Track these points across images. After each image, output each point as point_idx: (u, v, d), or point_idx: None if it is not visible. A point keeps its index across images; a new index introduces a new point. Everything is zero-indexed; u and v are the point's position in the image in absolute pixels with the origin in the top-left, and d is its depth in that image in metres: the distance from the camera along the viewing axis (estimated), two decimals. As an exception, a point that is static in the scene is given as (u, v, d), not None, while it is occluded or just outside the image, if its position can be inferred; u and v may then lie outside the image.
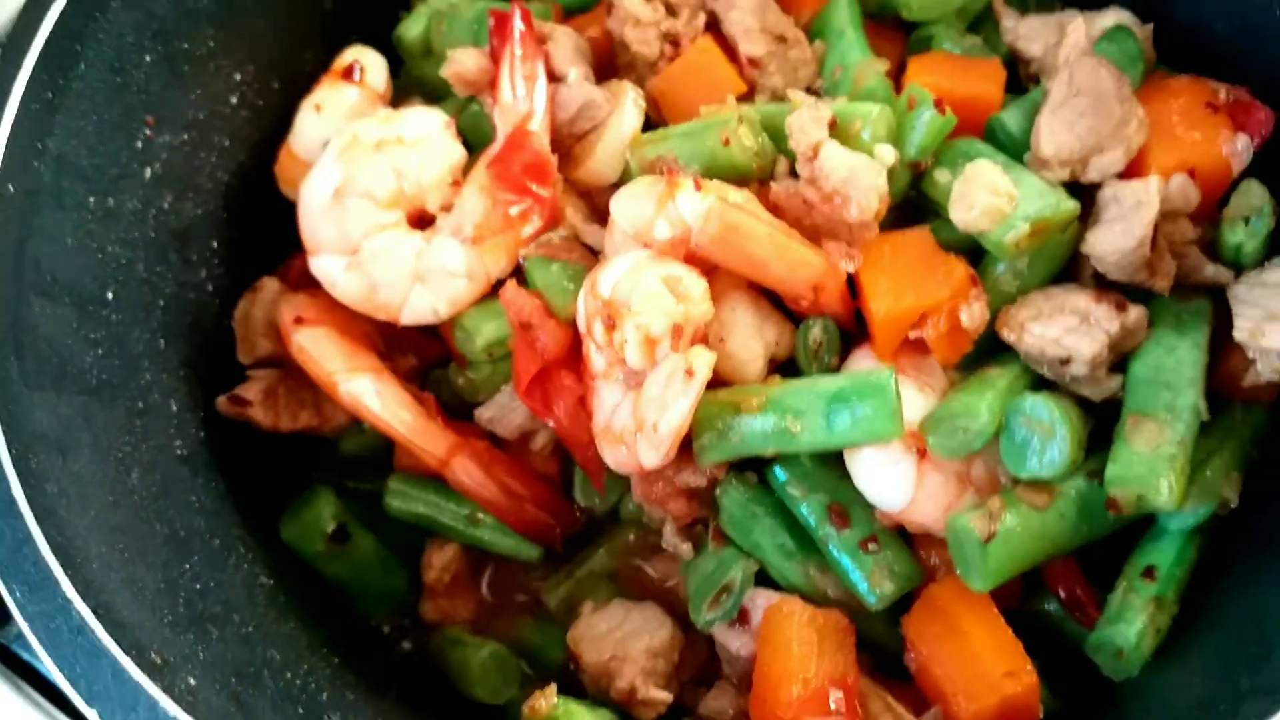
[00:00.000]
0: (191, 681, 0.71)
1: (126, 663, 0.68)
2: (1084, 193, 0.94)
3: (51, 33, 0.93)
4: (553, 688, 0.89)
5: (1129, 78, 0.98)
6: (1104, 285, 0.94)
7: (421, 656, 1.05)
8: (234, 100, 1.12)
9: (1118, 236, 0.88)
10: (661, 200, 0.90)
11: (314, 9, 1.18)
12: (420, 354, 1.08)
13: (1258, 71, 0.99)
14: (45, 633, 0.69)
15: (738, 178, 0.96)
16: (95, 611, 0.70)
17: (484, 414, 1.03)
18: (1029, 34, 1.09)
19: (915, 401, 0.90)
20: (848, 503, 0.92)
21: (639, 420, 0.88)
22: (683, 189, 0.89)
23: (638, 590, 1.03)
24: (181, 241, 1.06)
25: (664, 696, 0.93)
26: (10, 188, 0.87)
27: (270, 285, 1.10)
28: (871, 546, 0.91)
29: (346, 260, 1.00)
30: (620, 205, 0.94)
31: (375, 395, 0.99)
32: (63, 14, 0.93)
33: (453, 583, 1.06)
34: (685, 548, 0.97)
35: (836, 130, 0.93)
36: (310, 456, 1.10)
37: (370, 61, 1.13)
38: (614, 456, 0.92)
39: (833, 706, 0.84)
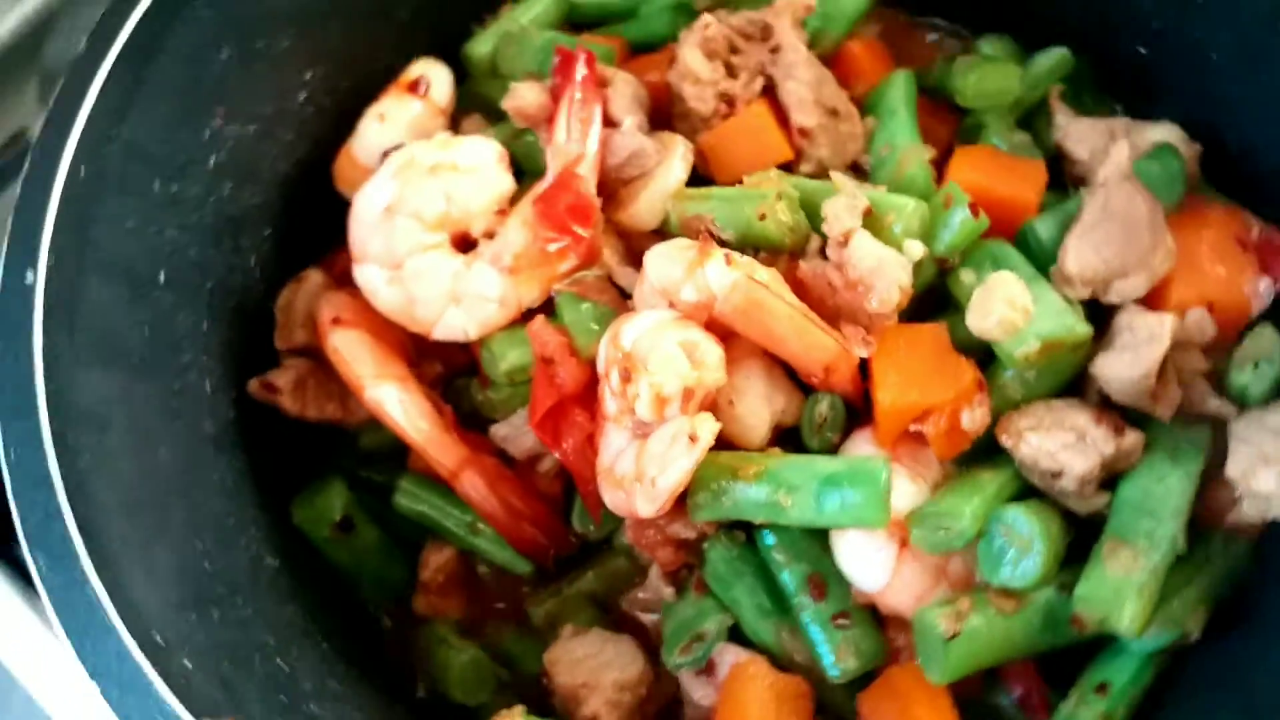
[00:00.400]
0: (187, 664, 0.77)
1: (130, 643, 0.73)
2: (1103, 312, 0.97)
3: (137, 26, 0.97)
4: (520, 708, 0.94)
5: (1167, 199, 1.01)
6: (1108, 404, 0.96)
7: (406, 646, 1.10)
8: (302, 97, 1.16)
9: (1126, 365, 0.91)
10: (691, 266, 0.94)
11: (389, 17, 1.22)
12: (447, 362, 1.13)
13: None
14: (62, 605, 0.75)
15: (771, 249, 1.00)
16: (109, 589, 0.76)
17: (499, 431, 1.08)
18: (1078, 136, 1.11)
19: (906, 491, 0.94)
20: (827, 576, 0.96)
21: (640, 471, 0.93)
22: (713, 259, 0.93)
23: (618, 620, 1.08)
24: (236, 228, 1.11)
25: (628, 731, 0.98)
26: (81, 171, 0.92)
27: (314, 277, 1.14)
28: (843, 621, 0.95)
29: (389, 274, 1.04)
30: (653, 262, 0.97)
31: (398, 403, 1.04)
32: (149, 9, 0.97)
33: (446, 582, 1.11)
34: (668, 591, 1.02)
35: (870, 219, 0.97)
36: (330, 444, 1.15)
37: (437, 76, 1.17)
38: (612, 498, 0.96)
39: (782, 770, 0.89)
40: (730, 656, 0.96)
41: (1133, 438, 0.93)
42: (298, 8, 1.12)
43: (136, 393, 0.94)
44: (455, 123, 1.21)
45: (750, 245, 1.00)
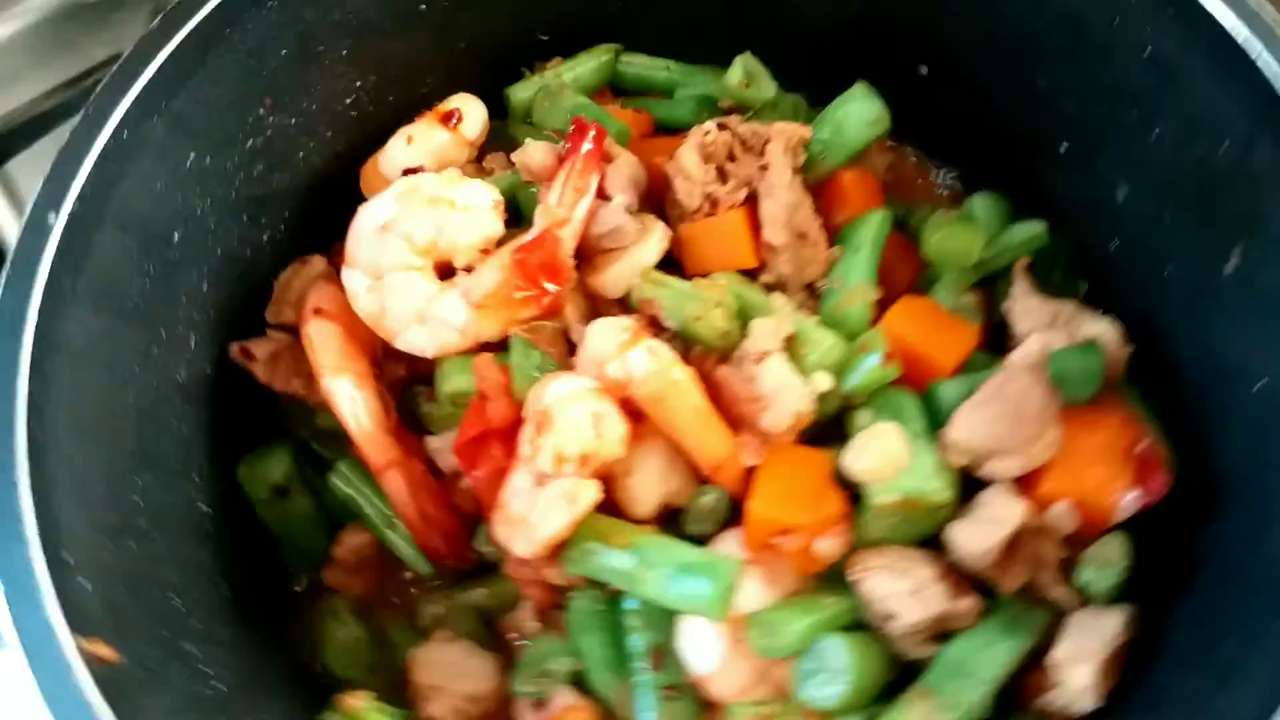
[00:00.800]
0: (85, 584, 0.88)
1: (37, 555, 0.85)
2: (979, 483, 1.05)
3: (210, 13, 1.10)
4: (368, 694, 1.06)
5: (1075, 392, 1.08)
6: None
7: (307, 613, 1.22)
8: (348, 101, 1.29)
9: (973, 537, 0.99)
10: (623, 346, 1.04)
11: (446, 45, 1.33)
12: (411, 368, 1.25)
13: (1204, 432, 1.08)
14: (-11, 509, 0.87)
15: (702, 347, 1.09)
16: (36, 502, 0.87)
17: (432, 443, 1.19)
18: (1024, 311, 1.18)
19: (756, 593, 1.03)
20: (668, 650, 1.05)
21: (525, 515, 1.03)
22: (639, 346, 1.03)
23: (496, 637, 1.19)
24: (257, 206, 1.23)
25: (457, 738, 1.08)
26: (125, 134, 1.05)
27: (318, 264, 1.27)
28: (671, 694, 1.04)
29: (371, 282, 1.16)
30: (594, 332, 1.08)
31: (347, 396, 1.16)
32: (223, 2, 1.11)
33: (357, 563, 1.22)
34: (533, 626, 1.13)
35: (791, 344, 1.06)
36: (289, 416, 1.27)
37: (470, 112, 1.29)
38: (501, 531, 1.07)
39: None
40: (565, 699, 1.06)
41: (969, 603, 1.01)
42: (363, 22, 1.24)
43: (122, 335, 1.06)
44: (482, 154, 1.33)
45: (688, 338, 1.10)
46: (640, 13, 1.39)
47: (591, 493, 1.00)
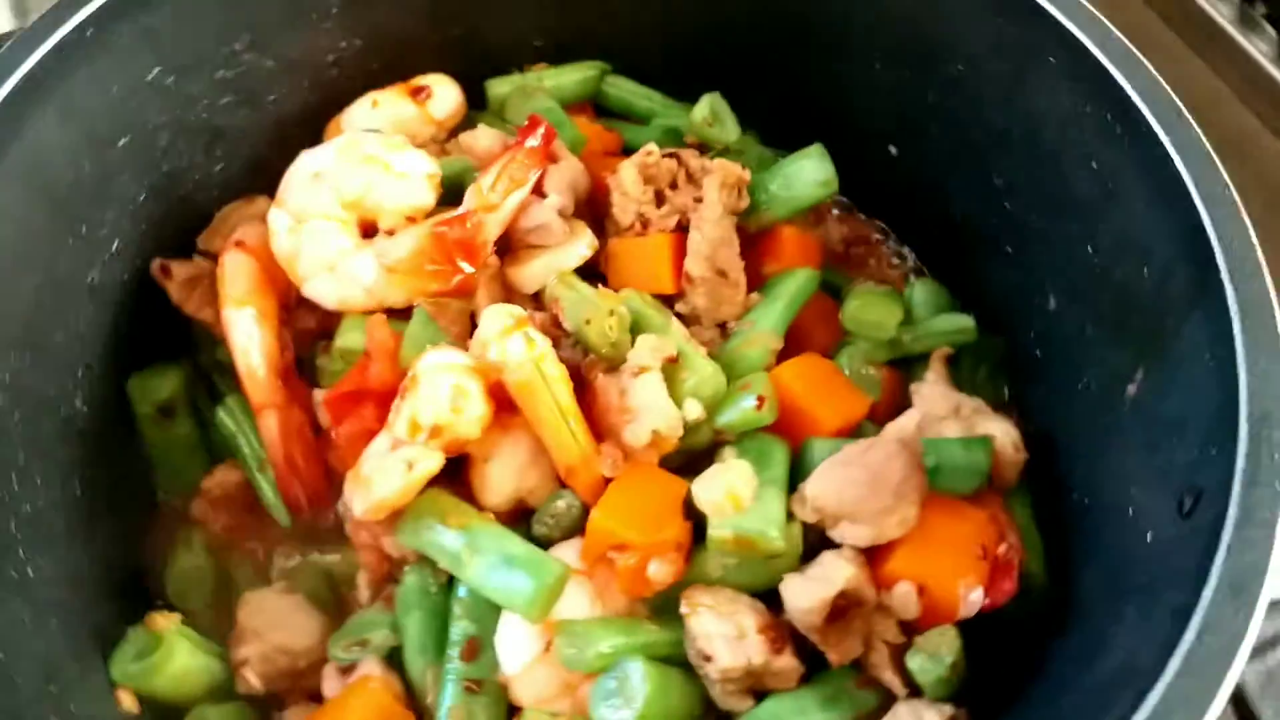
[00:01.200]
0: None
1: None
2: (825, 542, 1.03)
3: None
4: (177, 617, 1.05)
5: (954, 484, 1.07)
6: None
7: (160, 534, 1.22)
8: (329, 59, 1.32)
9: (801, 593, 0.96)
10: (505, 331, 1.04)
11: (441, 30, 1.37)
12: (322, 322, 1.25)
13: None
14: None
15: (593, 356, 1.09)
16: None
17: (318, 396, 1.19)
18: (925, 396, 1.17)
19: (579, 604, 1.01)
20: (484, 645, 1.03)
21: (369, 475, 1.03)
22: (519, 333, 1.03)
23: (335, 606, 1.17)
24: (214, 136, 1.26)
25: (255, 683, 1.07)
26: (88, 32, 1.09)
27: (261, 204, 1.29)
28: (474, 688, 1.02)
29: (292, 224, 1.18)
30: (487, 315, 1.07)
31: (244, 330, 1.17)
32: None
33: (224, 500, 1.22)
34: (365, 594, 1.11)
35: (671, 366, 1.05)
36: (198, 341, 1.28)
37: (442, 92, 1.31)
38: (349, 490, 1.06)
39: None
40: (369, 668, 1.04)
41: (787, 662, 0.98)
42: (358, -10, 1.28)
43: (44, 222, 1.08)
44: (451, 138, 1.35)
45: (580, 343, 1.10)
46: (636, 42, 1.42)
47: (430, 463, 1.00)
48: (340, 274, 1.16)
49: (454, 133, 1.35)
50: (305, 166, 1.19)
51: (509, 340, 1.03)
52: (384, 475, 1.01)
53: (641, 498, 1.02)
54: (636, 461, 1.04)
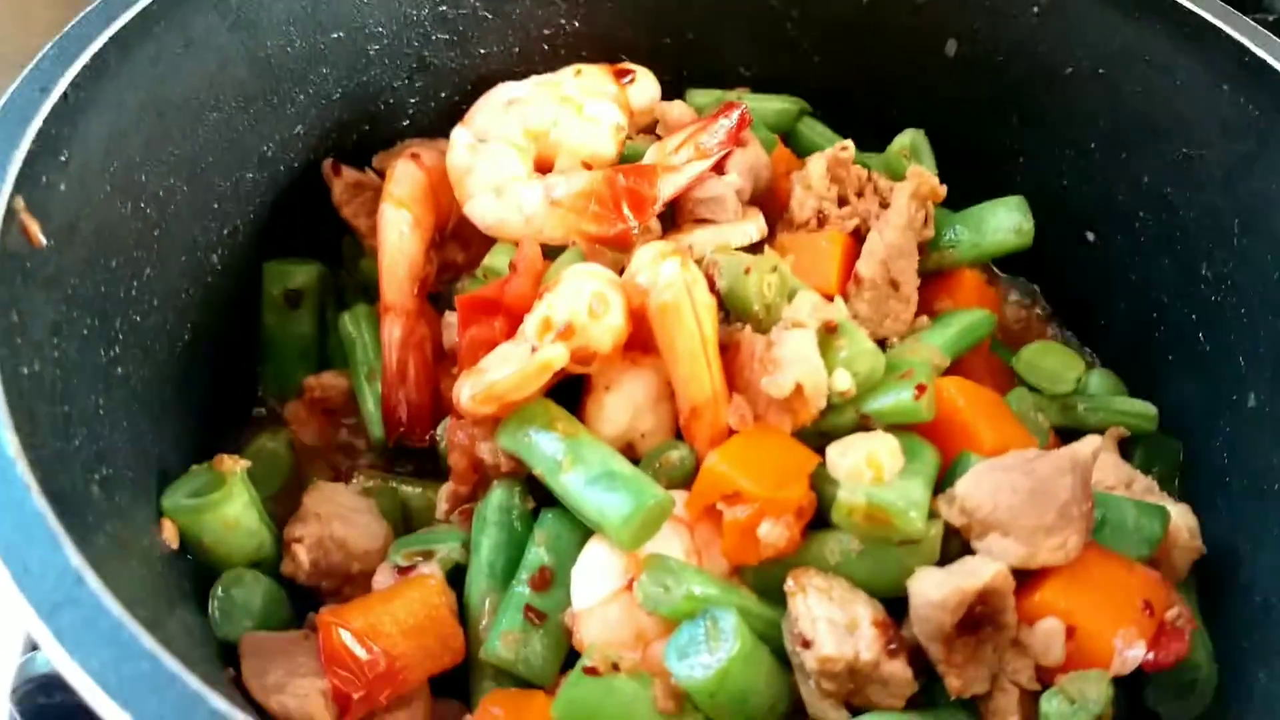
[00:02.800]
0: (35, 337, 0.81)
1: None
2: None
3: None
4: (245, 462, 0.97)
5: (1125, 546, 0.93)
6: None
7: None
8: (546, 32, 1.33)
9: (935, 584, 0.83)
10: (659, 257, 0.98)
11: (658, 37, 1.38)
12: (471, 259, 1.22)
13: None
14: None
15: (742, 314, 1.01)
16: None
17: (448, 317, 1.14)
18: (1097, 465, 1.04)
19: (673, 548, 0.89)
20: (557, 577, 0.92)
21: (486, 364, 0.96)
22: (674, 257, 0.96)
23: (405, 528, 1.07)
24: (420, 66, 1.28)
25: (303, 560, 0.96)
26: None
27: (443, 145, 1.26)
28: (534, 619, 0.90)
29: (473, 143, 1.16)
30: (641, 249, 1.02)
31: (396, 227, 1.14)
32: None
33: (322, 404, 1.16)
34: (442, 508, 1.02)
35: (828, 334, 0.96)
36: (345, 251, 1.26)
37: (644, 82, 1.29)
38: (461, 382, 0.98)
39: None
40: (426, 570, 0.94)
41: (899, 668, 0.83)
42: None
43: (241, 70, 1.09)
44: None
45: (733, 305, 1.02)
46: (837, 87, 1.40)
47: (554, 352, 0.92)
48: (506, 197, 1.13)
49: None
50: (501, 93, 1.19)
51: (663, 263, 0.97)
52: (500, 361, 0.94)
53: (766, 452, 0.92)
54: (767, 425, 0.94)
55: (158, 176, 1.02)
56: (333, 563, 0.99)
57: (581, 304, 0.94)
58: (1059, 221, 1.27)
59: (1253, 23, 1.11)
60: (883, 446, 0.88)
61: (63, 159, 0.89)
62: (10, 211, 0.82)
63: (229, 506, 0.94)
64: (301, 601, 1.00)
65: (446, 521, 1.01)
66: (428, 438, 1.11)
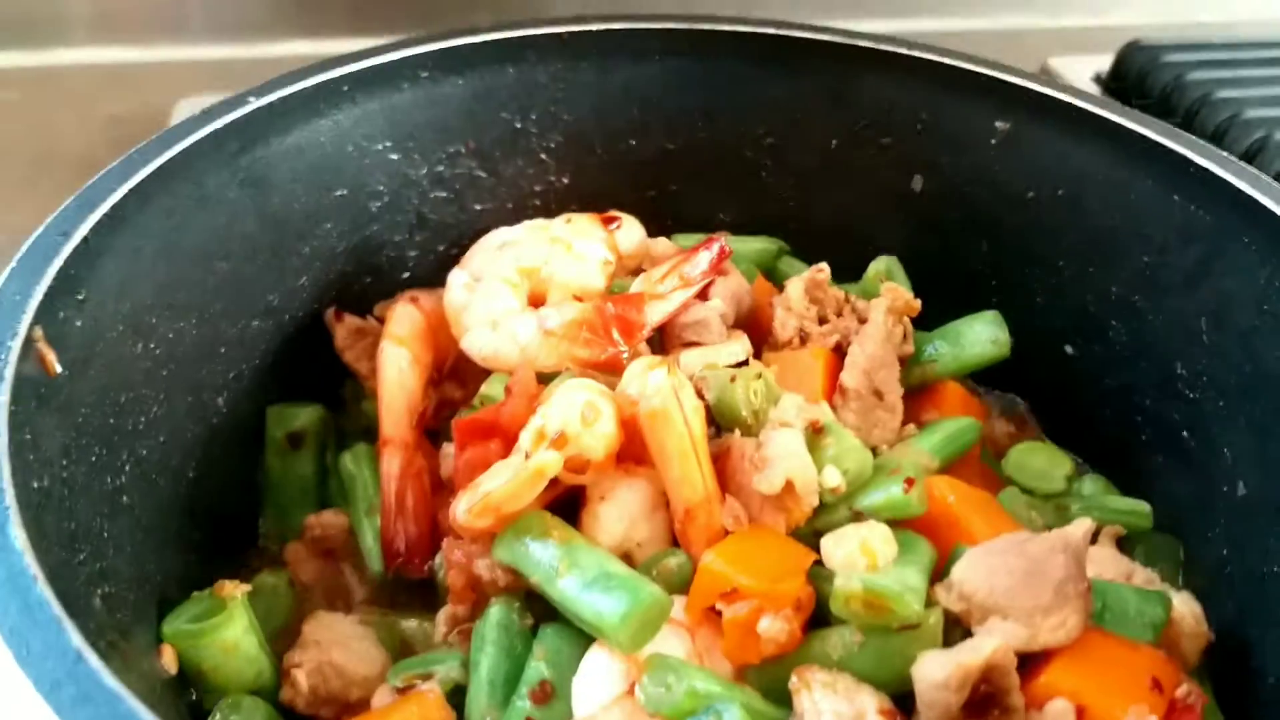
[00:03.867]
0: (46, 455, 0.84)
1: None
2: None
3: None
4: (246, 587, 0.97)
5: (1125, 629, 0.93)
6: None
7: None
8: (537, 188, 1.42)
9: (935, 667, 0.82)
10: (650, 366, 1.01)
11: (642, 190, 1.45)
12: (469, 396, 1.25)
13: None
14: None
15: (731, 423, 1.04)
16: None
17: (446, 449, 1.17)
18: (1095, 559, 1.05)
19: (674, 652, 0.89)
20: (558, 690, 0.91)
21: (481, 481, 0.98)
22: (662, 368, 1.00)
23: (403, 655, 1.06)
24: (419, 222, 1.35)
25: (302, 685, 0.96)
26: (345, 88, 1.23)
27: (443, 294, 1.34)
28: (536, 731, 0.88)
29: (470, 282, 1.23)
30: (632, 365, 1.06)
31: (395, 364, 1.19)
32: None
33: (322, 540, 1.17)
34: (441, 630, 1.01)
35: (816, 433, 0.99)
36: (345, 397, 1.30)
37: (630, 227, 1.38)
38: (457, 499, 1.00)
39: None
40: (425, 688, 0.92)
41: (906, 758, 0.81)
42: (578, 128, 1.41)
43: (249, 224, 1.17)
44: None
45: (722, 415, 1.05)
46: (812, 228, 1.48)
47: (548, 458, 0.94)
48: (501, 330, 1.18)
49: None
50: (495, 237, 1.26)
51: (651, 373, 1.00)
52: (495, 472, 0.96)
53: (762, 549, 0.92)
54: (761, 525, 0.95)
55: (168, 319, 1.07)
56: (331, 690, 0.98)
57: (574, 413, 0.97)
58: (1037, 337, 1.32)
59: (1193, 137, 1.19)
60: (876, 534, 0.90)
61: (80, 297, 0.95)
62: (29, 341, 0.87)
63: (229, 630, 0.94)
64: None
65: (445, 644, 1.01)
66: (426, 568, 1.11)
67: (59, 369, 0.89)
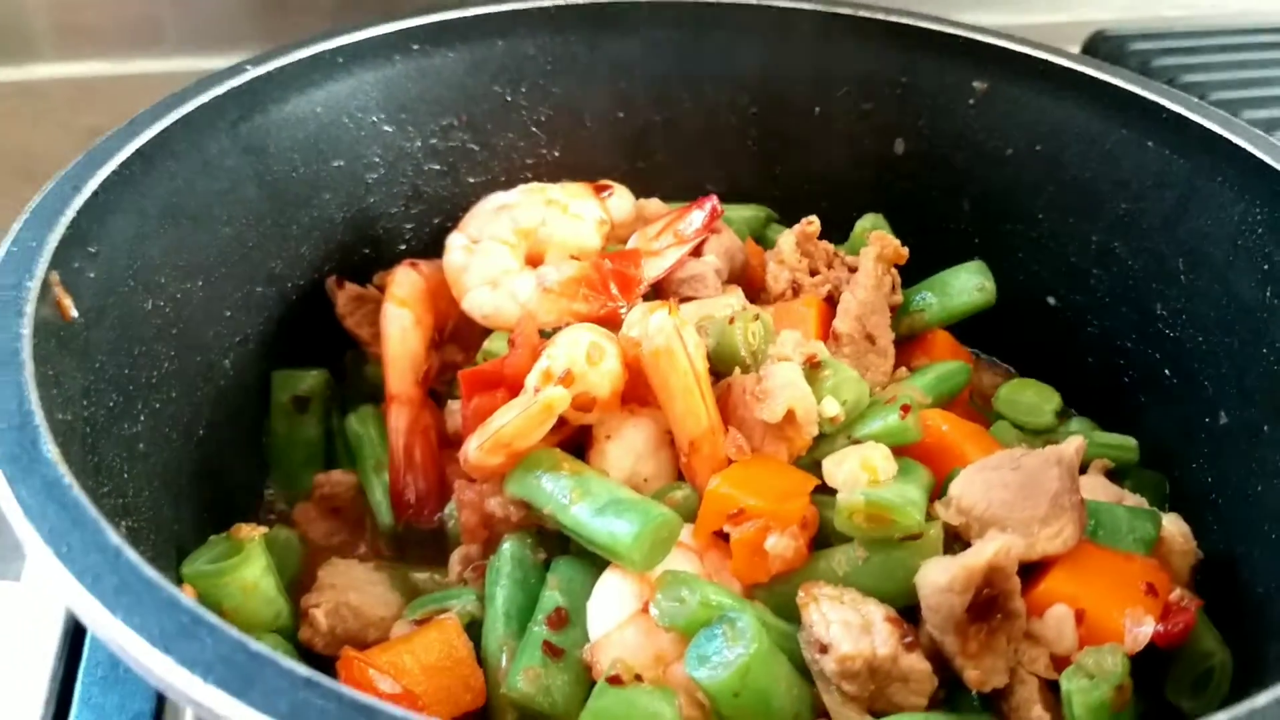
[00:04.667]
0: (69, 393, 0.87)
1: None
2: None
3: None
4: (263, 529, 0.99)
5: (1118, 541, 0.96)
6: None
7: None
8: (529, 161, 1.44)
9: (939, 571, 0.85)
10: (651, 309, 1.04)
11: (632, 161, 1.49)
12: (469, 358, 1.28)
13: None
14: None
15: (727, 360, 1.07)
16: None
17: (451, 405, 1.19)
18: (1086, 485, 1.08)
19: (685, 568, 0.91)
20: (574, 616, 0.93)
21: (491, 420, 1.00)
22: (663, 308, 1.03)
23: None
24: (415, 194, 1.38)
25: (321, 624, 0.97)
26: (340, 59, 1.26)
27: (439, 265, 1.37)
28: (551, 656, 0.90)
29: (468, 244, 1.25)
30: (637, 308, 1.08)
31: (398, 324, 1.21)
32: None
33: (330, 497, 1.18)
34: (455, 570, 1.03)
35: (813, 367, 1.02)
36: (348, 364, 1.32)
37: (621, 195, 1.41)
38: (469, 439, 1.02)
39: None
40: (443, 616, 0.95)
41: (917, 662, 0.84)
42: (568, 103, 1.44)
43: (251, 191, 1.19)
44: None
45: (721, 357, 1.08)
46: (799, 196, 1.51)
47: (555, 393, 0.96)
48: (500, 289, 1.21)
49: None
50: (492, 201, 1.29)
51: (653, 314, 1.03)
52: (505, 410, 0.98)
53: (766, 474, 0.95)
54: (763, 454, 0.98)
55: (175, 279, 1.09)
56: (349, 630, 1.00)
57: (579, 352, 1.00)
58: (1021, 291, 1.36)
59: (1164, 85, 1.24)
60: (876, 453, 0.93)
61: (92, 250, 0.97)
62: (46, 285, 0.88)
63: (248, 570, 0.95)
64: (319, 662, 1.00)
65: (460, 582, 1.03)
66: (436, 519, 1.13)
67: (74, 314, 0.91)
